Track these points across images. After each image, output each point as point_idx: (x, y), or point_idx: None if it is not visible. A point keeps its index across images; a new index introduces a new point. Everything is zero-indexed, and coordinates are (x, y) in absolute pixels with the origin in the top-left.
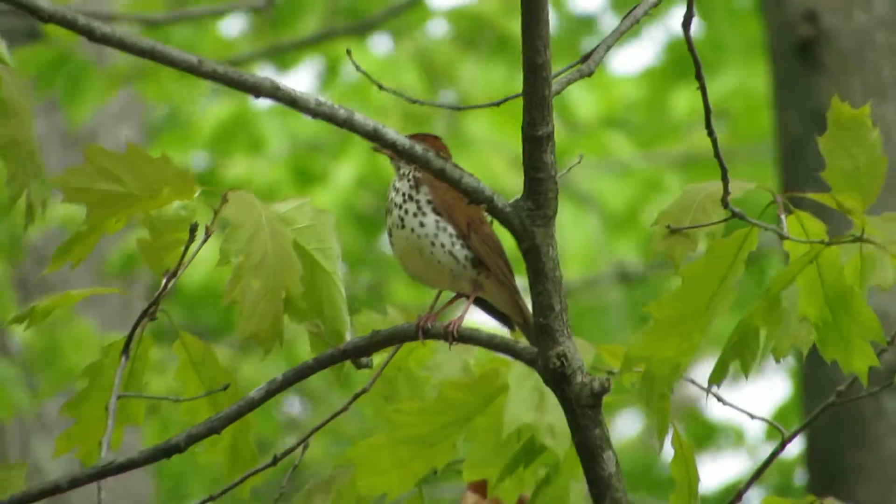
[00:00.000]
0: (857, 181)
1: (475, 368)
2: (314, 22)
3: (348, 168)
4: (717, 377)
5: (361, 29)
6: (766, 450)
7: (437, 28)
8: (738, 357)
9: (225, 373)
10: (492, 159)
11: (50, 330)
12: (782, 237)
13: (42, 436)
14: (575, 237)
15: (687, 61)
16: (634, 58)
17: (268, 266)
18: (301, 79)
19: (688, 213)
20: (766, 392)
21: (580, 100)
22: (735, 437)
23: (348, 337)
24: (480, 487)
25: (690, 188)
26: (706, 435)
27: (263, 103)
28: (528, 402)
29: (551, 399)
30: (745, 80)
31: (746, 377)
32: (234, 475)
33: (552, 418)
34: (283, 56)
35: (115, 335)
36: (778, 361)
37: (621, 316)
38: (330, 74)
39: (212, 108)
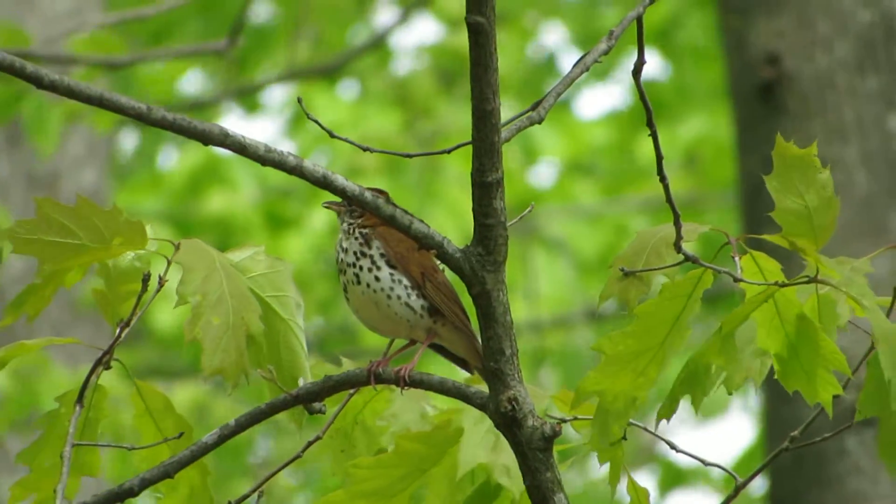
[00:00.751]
0: (809, 221)
1: (433, 417)
2: (279, 66)
3: (322, 215)
4: (667, 412)
5: (326, 71)
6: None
7: (417, 63)
8: (689, 392)
9: (182, 420)
10: (463, 199)
11: (25, 376)
12: (735, 279)
13: (6, 474)
14: (548, 282)
15: (653, 103)
16: (602, 101)
17: (226, 304)
18: (268, 126)
19: (641, 256)
20: (731, 435)
21: (547, 145)
22: (703, 479)
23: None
24: None
25: (644, 232)
26: (675, 477)
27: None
28: (483, 443)
29: (506, 441)
30: (713, 126)
31: (696, 412)
32: None
33: (507, 459)
34: (249, 101)
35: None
36: (730, 394)
37: (594, 358)
38: (298, 120)
39: (182, 154)
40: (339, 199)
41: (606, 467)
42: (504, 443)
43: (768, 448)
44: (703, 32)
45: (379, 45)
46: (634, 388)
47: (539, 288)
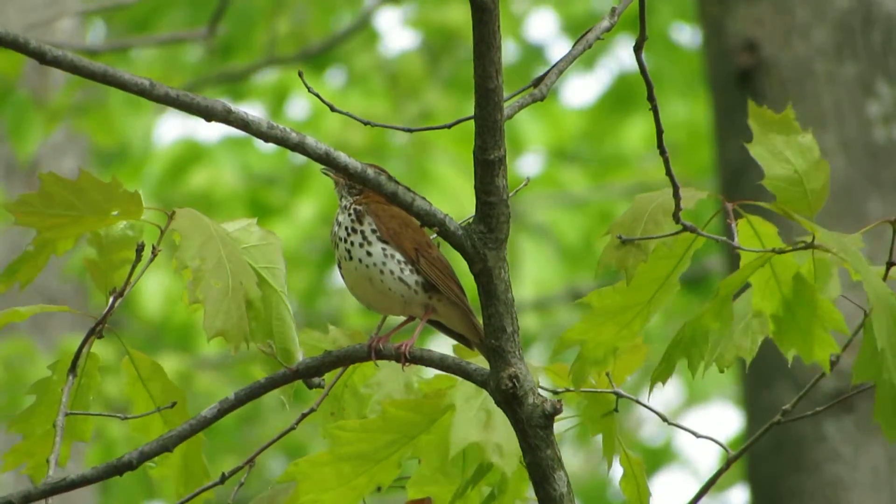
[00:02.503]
0: (801, 187)
1: (421, 386)
2: (261, 54)
3: (310, 203)
4: (663, 374)
5: (309, 55)
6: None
7: (405, 42)
8: (686, 355)
9: (174, 388)
10: (454, 180)
11: (12, 364)
12: (734, 248)
13: None
14: (532, 267)
15: (632, 92)
16: (585, 90)
17: (225, 268)
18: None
19: (639, 223)
20: (715, 423)
21: (531, 132)
22: (678, 463)
23: (298, 355)
24: None
25: (641, 198)
26: (653, 462)
27: (215, 135)
28: (475, 422)
29: (499, 418)
30: (687, 115)
31: (694, 376)
32: (185, 492)
33: (499, 437)
34: (237, 87)
35: (75, 340)
36: (722, 371)
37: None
38: (276, 108)
39: (163, 142)
40: None
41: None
42: (496, 421)
43: (750, 433)
44: (676, 19)
45: (364, 26)
46: (617, 338)
47: (524, 272)
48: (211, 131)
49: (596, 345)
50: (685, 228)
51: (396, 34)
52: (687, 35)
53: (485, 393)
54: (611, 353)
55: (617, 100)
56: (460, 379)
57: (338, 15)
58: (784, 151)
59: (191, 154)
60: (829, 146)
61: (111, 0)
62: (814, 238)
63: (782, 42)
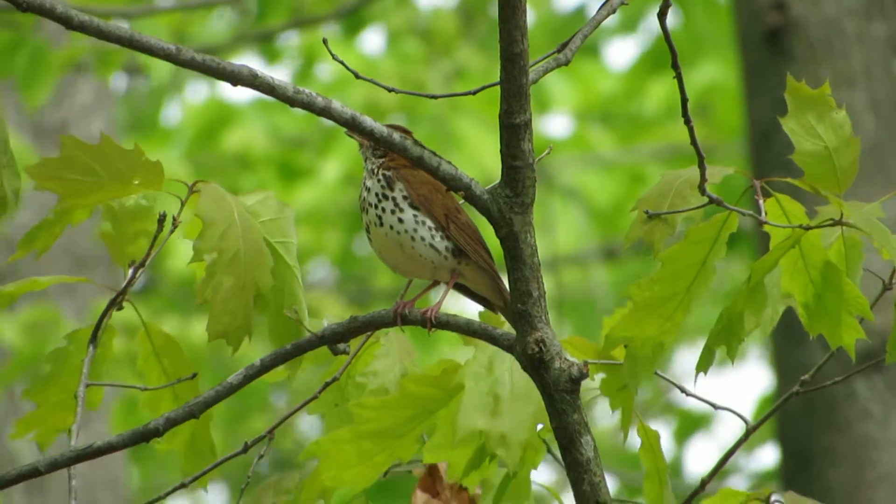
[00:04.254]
0: (830, 163)
1: (424, 371)
2: (293, 15)
3: (334, 164)
4: (704, 364)
5: (342, 15)
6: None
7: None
8: (724, 343)
9: (187, 364)
10: (482, 142)
11: (39, 332)
12: (761, 222)
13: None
14: (563, 229)
15: (663, 56)
16: (627, 52)
17: (239, 263)
18: (283, 75)
19: (666, 198)
20: (747, 383)
21: (560, 95)
22: (719, 425)
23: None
24: (430, 486)
25: (668, 174)
26: (691, 425)
27: (244, 97)
28: (482, 407)
29: (507, 405)
30: (723, 75)
31: (732, 362)
32: (192, 468)
33: (505, 426)
34: (269, 49)
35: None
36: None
37: (608, 301)
38: (306, 69)
39: (192, 102)
40: None
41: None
42: (504, 407)
43: (780, 393)
44: None
45: None
46: (661, 332)
47: (556, 233)
48: (239, 94)
49: (643, 342)
50: (711, 201)
51: None
52: None
53: (494, 375)
54: (658, 350)
55: (655, 62)
56: (469, 356)
57: None
58: (816, 127)
59: (222, 116)
60: (859, 105)
61: None
62: (842, 215)
63: (811, 1)
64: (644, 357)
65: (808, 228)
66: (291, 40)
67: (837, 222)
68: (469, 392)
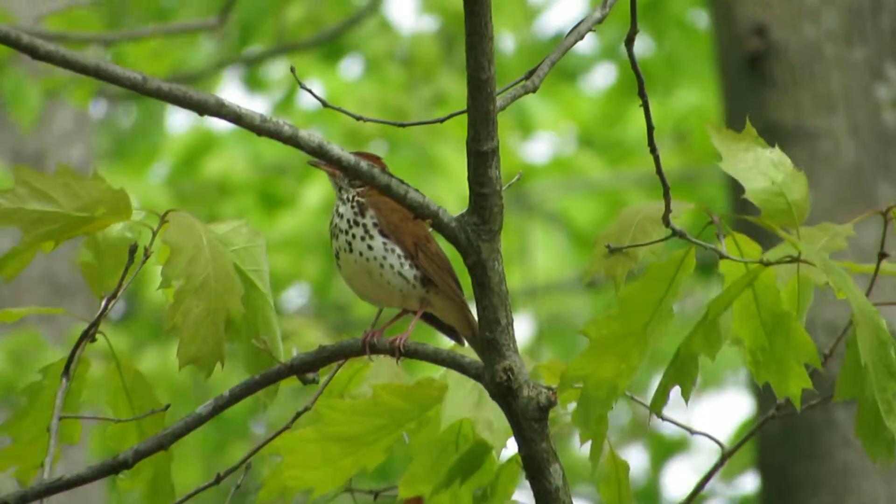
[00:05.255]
0: (783, 198)
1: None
2: (274, 41)
3: (315, 191)
4: (659, 403)
5: (322, 41)
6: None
7: (420, 24)
8: (679, 381)
9: (155, 401)
10: (463, 167)
11: (19, 358)
12: (721, 256)
13: None
14: (544, 254)
15: (647, 79)
16: (600, 77)
17: (209, 289)
18: (267, 102)
19: (628, 232)
20: (728, 408)
21: (543, 119)
22: (695, 451)
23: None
24: None
25: (629, 209)
26: (668, 450)
27: (226, 125)
28: (467, 399)
29: (489, 402)
30: (702, 100)
31: (686, 402)
32: None
33: (491, 414)
34: (251, 76)
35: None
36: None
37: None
38: (289, 96)
39: (173, 132)
40: None
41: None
42: (488, 400)
43: (759, 419)
44: (689, 4)
45: (377, 10)
46: (617, 375)
47: (535, 259)
48: (219, 121)
49: (597, 383)
50: (675, 233)
51: (411, 19)
52: (704, 19)
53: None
54: (613, 393)
55: (631, 85)
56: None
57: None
58: (758, 165)
59: (203, 143)
60: (839, 130)
61: None
62: (799, 254)
63: (791, 26)
64: (598, 398)
65: (766, 264)
66: (274, 67)
67: (795, 259)
68: (453, 389)
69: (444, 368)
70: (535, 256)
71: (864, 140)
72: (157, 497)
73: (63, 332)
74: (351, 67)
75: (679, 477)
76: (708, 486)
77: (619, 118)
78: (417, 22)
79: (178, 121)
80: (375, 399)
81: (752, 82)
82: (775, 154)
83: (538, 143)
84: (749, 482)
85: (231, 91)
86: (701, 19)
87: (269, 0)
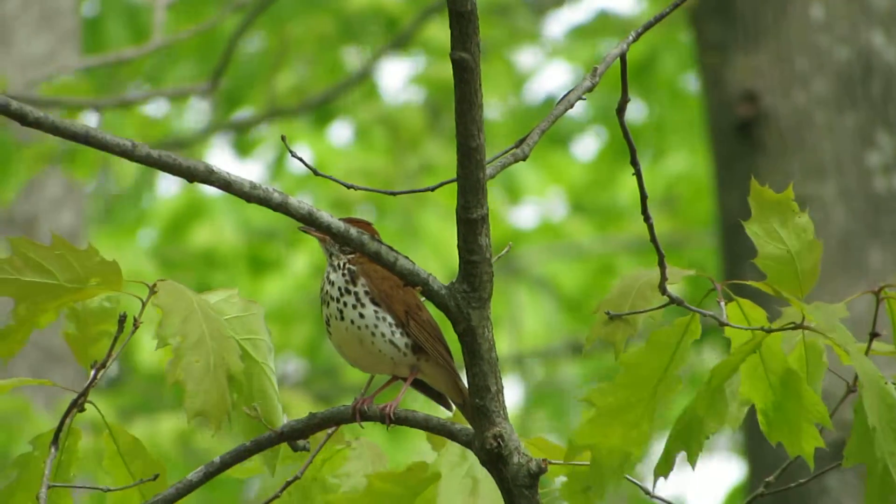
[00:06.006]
0: (792, 267)
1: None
2: (264, 107)
3: (303, 256)
4: (664, 469)
5: (311, 107)
6: None
7: (406, 95)
8: (685, 446)
9: (153, 463)
10: (448, 235)
11: (8, 424)
12: (722, 324)
13: None
14: (532, 319)
15: (636, 143)
16: (588, 142)
17: (206, 345)
18: (257, 168)
19: (627, 299)
20: (718, 473)
21: (531, 184)
22: None
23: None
24: None
25: (629, 275)
26: None
27: (214, 190)
28: (460, 489)
29: (485, 486)
30: (691, 165)
31: (693, 468)
32: None
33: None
34: (241, 142)
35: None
36: (706, 437)
37: (577, 393)
38: (279, 161)
39: (163, 197)
40: None
41: None
42: (482, 488)
43: (752, 486)
44: (679, 69)
45: (366, 78)
46: (627, 442)
47: (523, 324)
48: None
49: (608, 451)
50: (672, 301)
51: (398, 88)
52: (693, 84)
53: (469, 461)
54: (626, 460)
55: (623, 152)
56: (445, 447)
57: (340, 68)
58: (779, 231)
59: (192, 208)
60: (830, 196)
61: (113, 55)
62: (804, 319)
63: (782, 92)
64: (611, 467)
65: (769, 331)
66: (264, 134)
67: (798, 326)
68: (447, 477)
69: (436, 453)
70: (523, 321)
71: (855, 206)
72: None
73: (53, 398)
74: (339, 133)
75: None
76: None
77: (609, 183)
78: (404, 92)
79: (169, 185)
80: (370, 489)
81: (743, 148)
82: (803, 220)
83: (526, 207)
84: None
85: (220, 156)
86: (690, 84)
87: (258, 66)
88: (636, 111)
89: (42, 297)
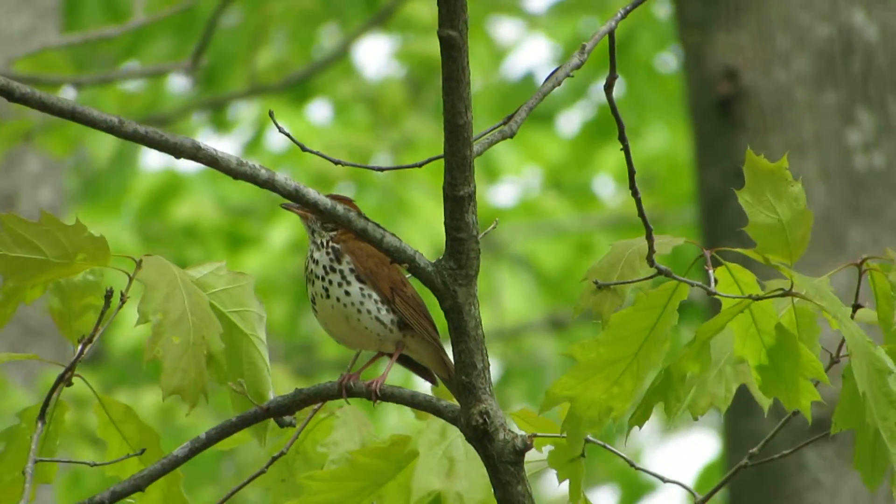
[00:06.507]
0: (783, 235)
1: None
2: (243, 84)
3: (281, 232)
4: (639, 419)
5: (290, 84)
6: None
7: (388, 70)
8: (663, 399)
9: (148, 430)
10: (431, 211)
11: None
12: (709, 292)
13: None
14: (511, 296)
15: (608, 124)
16: (572, 122)
17: (187, 322)
18: (234, 145)
19: (616, 269)
20: (693, 449)
21: (508, 162)
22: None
23: (271, 397)
24: None
25: (618, 244)
26: (638, 491)
27: (193, 167)
28: (437, 469)
29: (462, 466)
30: (669, 144)
31: (670, 420)
32: None
33: (461, 486)
34: (219, 119)
35: (54, 373)
36: (695, 419)
37: (555, 370)
38: (257, 138)
39: (147, 168)
40: None
41: (565, 484)
42: (459, 469)
43: (729, 462)
44: (656, 48)
45: (345, 55)
46: (610, 397)
47: (503, 301)
48: (187, 164)
49: (588, 404)
50: (659, 272)
51: (378, 63)
52: (670, 62)
53: (448, 440)
54: (606, 414)
55: (599, 129)
56: (424, 424)
57: (319, 46)
58: (772, 200)
59: (171, 185)
60: (810, 174)
61: (95, 32)
62: (792, 285)
63: (762, 70)
64: (589, 419)
65: (757, 299)
66: (242, 110)
67: (787, 293)
68: (424, 456)
69: (417, 429)
70: (503, 298)
71: (835, 184)
72: None
73: (31, 374)
74: (318, 111)
75: None
76: None
77: (588, 162)
78: (385, 68)
79: (149, 162)
80: (353, 463)
81: (723, 126)
82: (797, 189)
83: (505, 186)
84: None
85: (199, 133)
86: (668, 63)
87: (237, 43)
88: (614, 90)
89: (30, 272)
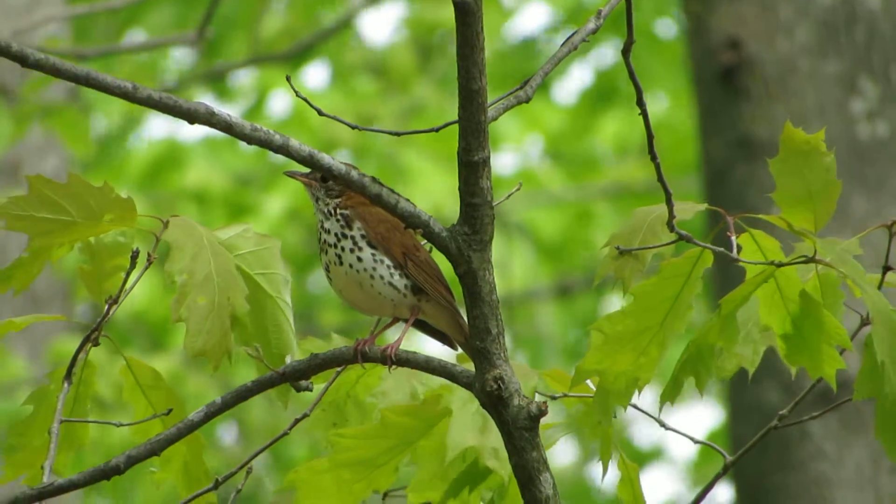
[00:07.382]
0: (810, 204)
1: (423, 394)
2: (244, 52)
3: (278, 201)
4: (671, 395)
5: (293, 53)
6: (695, 474)
7: (395, 35)
8: (693, 373)
9: (173, 395)
10: (431, 176)
11: None
12: (732, 259)
13: None
14: (510, 264)
15: (614, 89)
16: (567, 86)
17: (212, 283)
18: (235, 112)
19: (637, 234)
20: (694, 418)
21: (508, 130)
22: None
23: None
24: None
25: (640, 211)
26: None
27: (192, 136)
28: (471, 426)
29: (493, 424)
30: (671, 112)
31: (702, 394)
32: (187, 495)
33: (495, 441)
34: (220, 86)
35: (61, 344)
36: (722, 380)
37: (556, 343)
38: (258, 106)
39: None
40: (305, 170)
41: (575, 451)
42: (492, 425)
43: (734, 431)
44: (656, 15)
45: (348, 25)
46: (636, 368)
47: (511, 271)
48: (192, 131)
49: (616, 376)
50: (680, 238)
51: (384, 30)
52: (670, 30)
53: None
54: (633, 385)
55: (598, 96)
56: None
57: (322, 13)
58: (802, 170)
59: (171, 154)
60: None
61: (100, 3)
62: (815, 252)
63: (766, 40)
64: (617, 391)
65: (780, 265)
66: (242, 76)
67: (811, 259)
68: (457, 413)
69: (448, 389)
70: (511, 267)
71: (839, 153)
72: (192, 483)
73: (34, 345)
74: (316, 75)
75: (654, 486)
76: (680, 494)
77: (588, 129)
78: (393, 33)
79: (153, 130)
80: (384, 421)
81: (726, 96)
82: (829, 159)
83: (504, 156)
84: (723, 492)
85: (201, 100)
86: (667, 29)
87: (240, 11)
88: (613, 58)
89: (56, 232)
